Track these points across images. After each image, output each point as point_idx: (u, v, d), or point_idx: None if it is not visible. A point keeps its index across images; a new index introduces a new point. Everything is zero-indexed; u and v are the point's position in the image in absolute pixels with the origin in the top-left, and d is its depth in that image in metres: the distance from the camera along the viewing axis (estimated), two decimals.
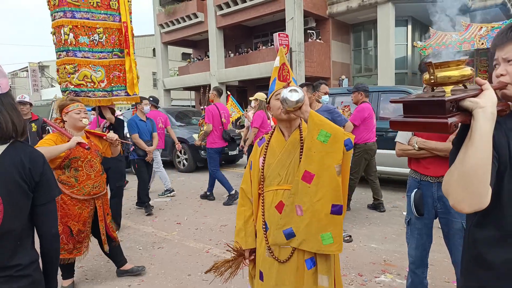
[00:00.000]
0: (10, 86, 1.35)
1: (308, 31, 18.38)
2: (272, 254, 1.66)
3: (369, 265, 3.27)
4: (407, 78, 18.11)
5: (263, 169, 1.71)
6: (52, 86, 28.98)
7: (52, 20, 3.72)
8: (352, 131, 4.65)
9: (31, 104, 4.80)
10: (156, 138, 5.47)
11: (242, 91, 23.25)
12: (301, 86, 4.91)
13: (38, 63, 28.68)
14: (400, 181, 6.39)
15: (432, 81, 0.96)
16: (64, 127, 2.82)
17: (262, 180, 1.72)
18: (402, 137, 2.33)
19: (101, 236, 2.98)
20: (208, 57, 22.44)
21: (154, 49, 27.33)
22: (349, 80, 19.65)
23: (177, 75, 26.89)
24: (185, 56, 31.50)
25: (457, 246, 2.13)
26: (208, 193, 5.96)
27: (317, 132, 1.52)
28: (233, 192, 5.59)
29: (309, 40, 18.35)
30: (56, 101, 3.50)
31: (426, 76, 0.97)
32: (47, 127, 4.79)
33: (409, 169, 2.34)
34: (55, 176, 2.75)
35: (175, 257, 3.64)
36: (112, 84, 3.92)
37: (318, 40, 18.62)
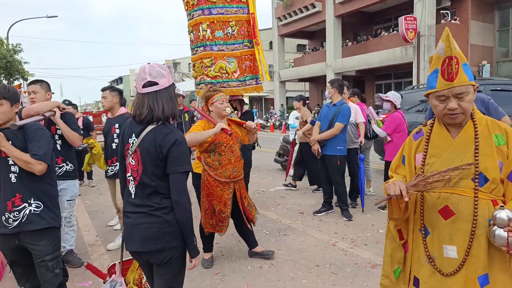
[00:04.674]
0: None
1: (441, 11, 16.27)
2: (432, 263, 1.47)
3: None
4: None
5: (423, 166, 1.52)
6: (183, 80, 32.72)
7: (190, 19, 4.02)
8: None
9: (183, 96, 5.39)
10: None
11: (359, 81, 22.16)
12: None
13: (172, 60, 32.69)
14: None
15: None
16: (210, 115, 3.09)
17: None
18: None
19: (237, 217, 3.19)
20: (324, 47, 22.02)
21: (271, 42, 28.14)
22: (491, 66, 16.77)
23: (292, 66, 27.22)
24: (300, 47, 31.61)
25: None
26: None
27: None
28: None
29: (442, 21, 16.24)
30: (200, 91, 3.86)
31: None
32: (195, 117, 5.35)
33: None
34: (202, 159, 3.04)
35: (301, 245, 3.66)
36: (245, 74, 4.11)
37: (453, 21, 16.34)
